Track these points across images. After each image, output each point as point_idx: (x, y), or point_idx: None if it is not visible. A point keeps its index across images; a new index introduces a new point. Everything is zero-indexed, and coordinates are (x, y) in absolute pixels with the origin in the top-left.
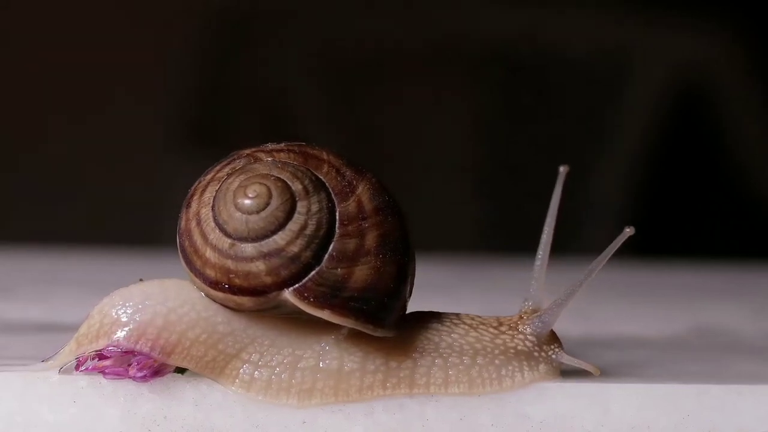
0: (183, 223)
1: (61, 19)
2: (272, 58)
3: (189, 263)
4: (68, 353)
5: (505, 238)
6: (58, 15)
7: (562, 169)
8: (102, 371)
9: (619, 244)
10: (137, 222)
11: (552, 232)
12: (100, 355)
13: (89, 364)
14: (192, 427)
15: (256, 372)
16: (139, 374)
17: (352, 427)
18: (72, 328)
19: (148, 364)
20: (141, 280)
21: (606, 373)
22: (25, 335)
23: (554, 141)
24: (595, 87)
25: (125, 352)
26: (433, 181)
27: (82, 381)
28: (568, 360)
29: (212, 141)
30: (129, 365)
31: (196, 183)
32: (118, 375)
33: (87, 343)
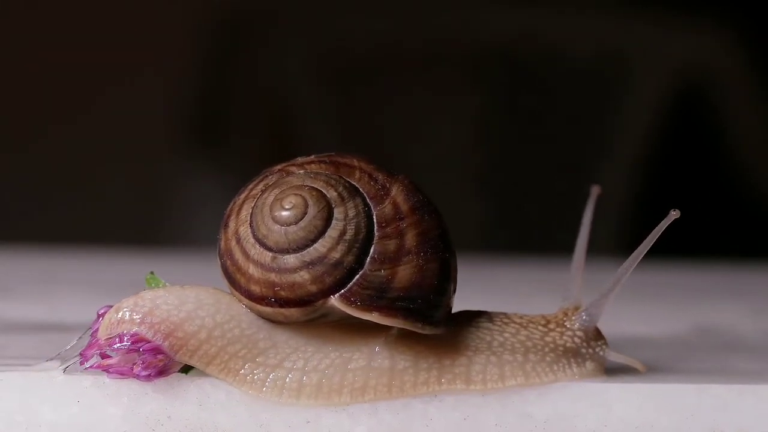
0: (223, 244)
1: (61, 19)
2: (273, 58)
3: (233, 282)
4: (108, 325)
5: (505, 237)
6: (58, 15)
7: (594, 191)
8: (106, 370)
9: (664, 227)
10: (137, 222)
11: (588, 235)
12: (104, 354)
13: (93, 361)
14: (196, 427)
15: (305, 377)
16: (144, 373)
17: (355, 427)
18: (72, 328)
19: (153, 363)
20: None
21: (608, 372)
22: (25, 335)
23: (555, 141)
24: (595, 87)
25: (131, 350)
26: (433, 181)
27: (85, 381)
28: (614, 357)
29: (213, 141)
30: (134, 364)
31: (231, 203)
32: (121, 374)
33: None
